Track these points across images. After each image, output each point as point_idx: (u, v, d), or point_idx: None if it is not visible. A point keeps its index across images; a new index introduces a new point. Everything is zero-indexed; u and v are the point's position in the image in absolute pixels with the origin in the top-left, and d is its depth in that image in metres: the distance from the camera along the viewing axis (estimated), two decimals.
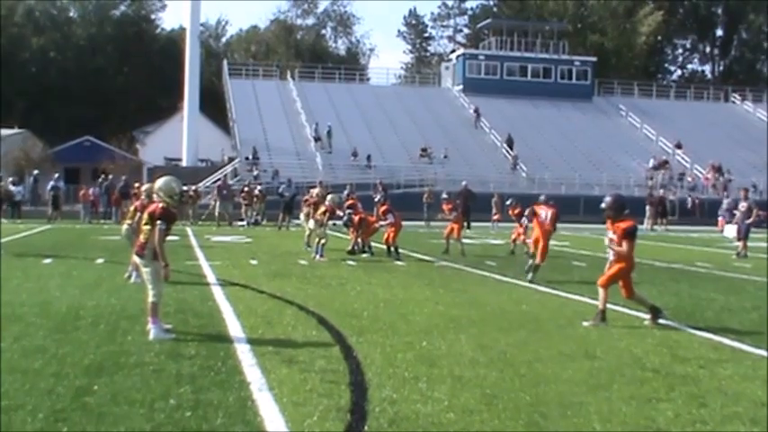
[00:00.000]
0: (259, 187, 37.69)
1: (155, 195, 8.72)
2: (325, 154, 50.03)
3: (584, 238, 30.54)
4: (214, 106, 66.38)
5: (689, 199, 47.41)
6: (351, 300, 11.43)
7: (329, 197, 19.40)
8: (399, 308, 10.72)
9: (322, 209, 18.73)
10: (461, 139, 54.65)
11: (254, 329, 8.82)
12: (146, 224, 8.60)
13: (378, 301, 11.28)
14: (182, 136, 55.18)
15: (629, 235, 9.63)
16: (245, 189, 36.39)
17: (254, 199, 35.72)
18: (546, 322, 9.77)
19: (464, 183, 37.31)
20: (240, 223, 34.81)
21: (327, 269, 15.94)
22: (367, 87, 67.77)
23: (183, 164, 53.90)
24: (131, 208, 13.34)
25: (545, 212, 15.20)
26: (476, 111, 57.87)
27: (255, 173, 44.72)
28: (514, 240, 20.50)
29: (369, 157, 48.88)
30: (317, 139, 51.22)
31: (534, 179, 49.04)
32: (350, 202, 20.62)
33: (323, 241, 18.16)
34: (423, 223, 36.29)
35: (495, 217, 35.10)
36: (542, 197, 18.16)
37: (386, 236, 19.12)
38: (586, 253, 21.34)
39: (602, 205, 9.95)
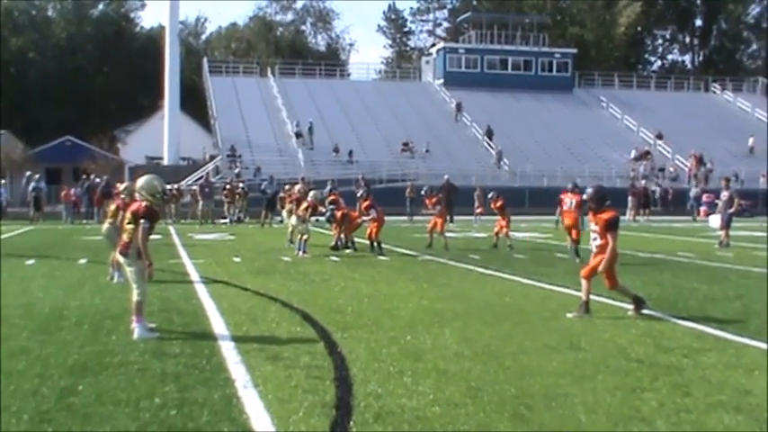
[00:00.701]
0: (241, 185, 37.61)
1: (137, 194, 8.68)
2: (307, 150, 50.00)
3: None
4: (195, 104, 66.14)
5: (658, 189, 47.54)
6: (335, 296, 11.42)
7: (311, 193, 19.38)
8: (384, 303, 10.73)
9: (304, 205, 18.71)
10: (443, 133, 54.74)
11: (238, 327, 8.80)
12: (129, 223, 8.57)
13: (362, 297, 11.28)
14: (163, 134, 54.98)
15: (612, 226, 9.66)
16: (227, 186, 36.32)
17: (237, 196, 35.64)
18: (530, 314, 9.80)
19: (446, 176, 37.33)
20: (223, 221, 34.72)
21: (311, 265, 15.92)
22: (348, 83, 67.73)
23: (165, 162, 53.71)
24: (112, 207, 13.26)
25: (570, 200, 15.51)
26: (457, 105, 57.95)
27: (237, 170, 44.61)
28: (497, 233, 20.56)
29: (350, 153, 48.89)
30: (298, 135, 51.16)
31: (516, 172, 49.19)
32: (332, 197, 20.61)
33: (305, 237, 18.15)
34: (406, 218, 36.32)
35: (478, 210, 35.19)
36: (570, 185, 18.72)
37: (369, 231, 19.12)
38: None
39: (585, 196, 9.98)
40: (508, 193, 32.36)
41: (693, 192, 43.66)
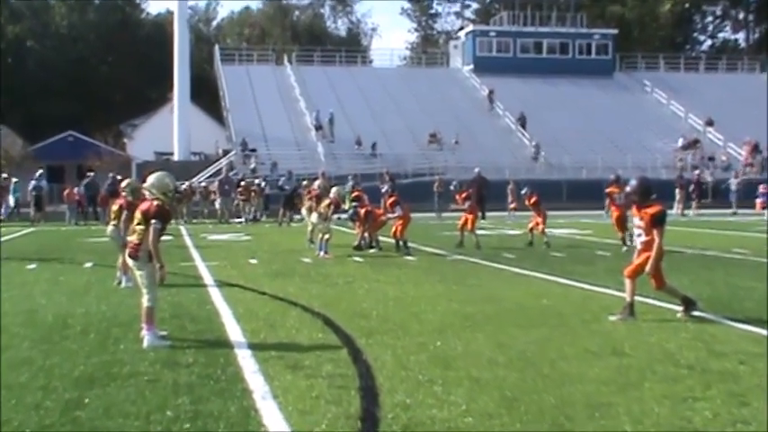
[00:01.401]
0: (257, 181, 37.77)
1: (147, 193, 8.72)
2: (327, 143, 50.10)
3: (609, 225, 30.49)
4: (206, 95, 66.49)
5: (710, 180, 46.91)
6: (358, 299, 11.45)
7: (333, 189, 19.42)
8: (411, 306, 10.74)
9: (326, 202, 18.75)
10: (473, 123, 54.62)
11: (255, 334, 8.85)
12: (138, 224, 8.62)
13: (387, 300, 11.31)
14: (172, 128, 55.32)
15: (658, 221, 9.59)
16: (242, 183, 36.50)
17: (252, 194, 35.81)
18: (569, 317, 9.77)
19: (477, 170, 37.34)
20: (238, 220, 34.90)
21: (332, 267, 15.96)
22: (370, 70, 67.73)
23: (175, 158, 54.03)
24: (114, 207, 13.32)
25: (619, 196, 15.73)
26: (489, 93, 57.76)
27: (252, 165, 44.79)
28: (532, 230, 20.54)
29: (374, 146, 48.92)
30: (317, 127, 51.27)
31: (553, 164, 48.98)
32: (355, 194, 20.64)
33: (327, 237, 18.19)
34: (434, 215, 36.30)
35: (512, 206, 35.10)
36: (612, 176, 18.96)
37: (394, 229, 19.14)
38: (611, 242, 21.31)
39: (628, 189, 9.93)
40: (544, 187, 32.19)
41: (733, 183, 42.97)
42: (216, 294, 12.07)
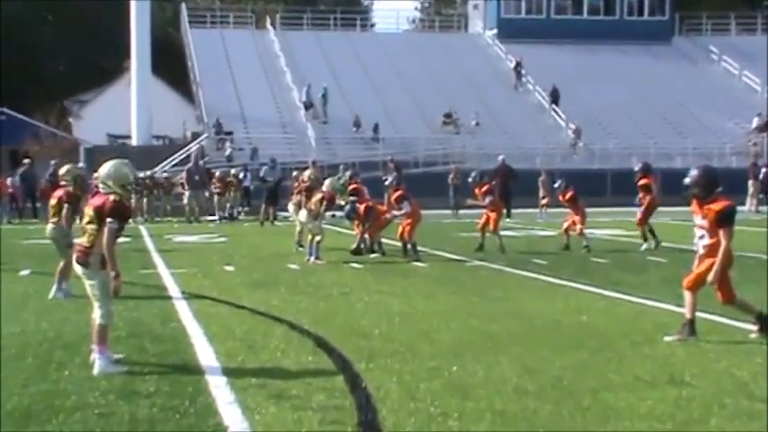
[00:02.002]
0: (233, 171, 37.78)
1: (101, 185, 8.66)
2: (320, 125, 50.09)
3: (664, 225, 30.40)
4: (171, 66, 66.35)
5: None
6: (357, 314, 11.48)
7: (327, 181, 19.42)
8: (420, 323, 10.77)
9: (317, 196, 18.76)
10: (497, 101, 54.60)
11: (231, 356, 8.87)
12: (89, 223, 8.58)
13: (392, 315, 11.34)
14: (129, 106, 55.21)
15: (725, 219, 9.57)
16: (216, 174, 36.52)
17: (228, 186, 35.81)
18: (615, 338, 9.78)
19: (501, 157, 37.27)
20: (211, 218, 34.92)
21: (326, 275, 16.00)
22: (372, 36, 67.83)
23: (133, 142, 53.97)
24: (53, 201, 13.27)
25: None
26: (517, 65, 57.55)
27: (228, 152, 44.79)
28: (567, 231, 20.54)
29: (376, 128, 48.92)
30: (307, 105, 51.25)
31: (594, 150, 48.89)
32: (352, 186, 20.65)
33: (318, 239, 18.21)
34: (449, 212, 36.30)
35: (544, 201, 35.05)
36: (638, 165, 19.22)
37: (400, 230, 19.16)
38: (667, 245, 21.28)
39: (686, 181, 9.90)
40: (584, 178, 32.21)
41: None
42: (183, 309, 12.10)
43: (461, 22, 70.28)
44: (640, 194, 21.45)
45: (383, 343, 9.55)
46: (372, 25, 78.23)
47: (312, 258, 18.05)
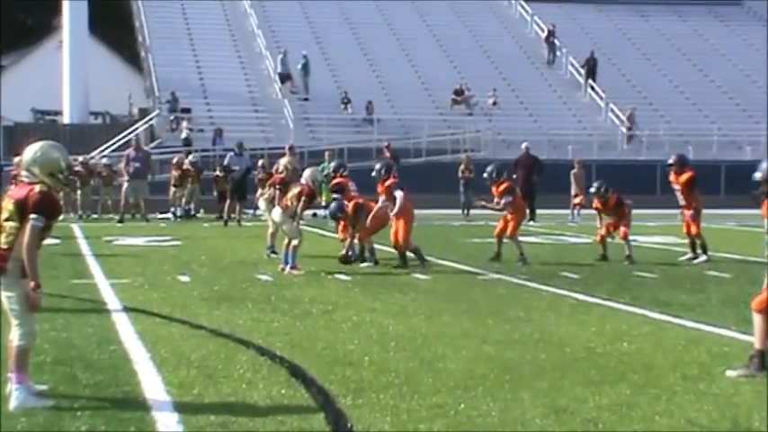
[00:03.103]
0: (191, 158, 37.74)
1: (24, 173, 8.62)
2: (299, 102, 50.06)
3: (729, 231, 30.47)
4: (113, 25, 66.33)
5: None
6: (343, 337, 11.47)
7: (307, 172, 19.42)
8: (422, 349, 10.77)
9: (294, 191, 18.77)
10: (520, 75, 54.71)
11: (185, 388, 8.87)
12: (8, 219, 8.52)
13: (387, 340, 11.33)
14: (60, 74, 55.15)
15: None
16: (174, 160, 36.53)
17: (184, 177, 35.79)
18: (663, 371, 9.77)
19: (525, 145, 37.26)
20: (162, 216, 34.90)
21: (305, 288, 15.98)
22: None
23: (65, 120, 53.92)
24: None
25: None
26: (549, 34, 57.22)
27: (185, 134, 44.74)
28: (604, 238, 20.39)
29: (369, 106, 48.91)
30: (284, 77, 51.22)
31: (642, 137, 48.89)
32: (336, 181, 20.66)
33: (295, 243, 18.21)
34: (458, 212, 36.30)
35: (577, 200, 35.11)
36: (673, 157, 19.18)
37: (394, 233, 19.14)
38: (731, 256, 21.32)
39: (756, 176, 9.94)
40: (629, 172, 32.28)
41: None
42: (126, 328, 12.06)
43: None
44: (681, 195, 20.96)
45: (375, 373, 9.51)
46: None
47: (288, 267, 18.02)
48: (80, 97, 53.97)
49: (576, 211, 34.86)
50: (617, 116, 50.42)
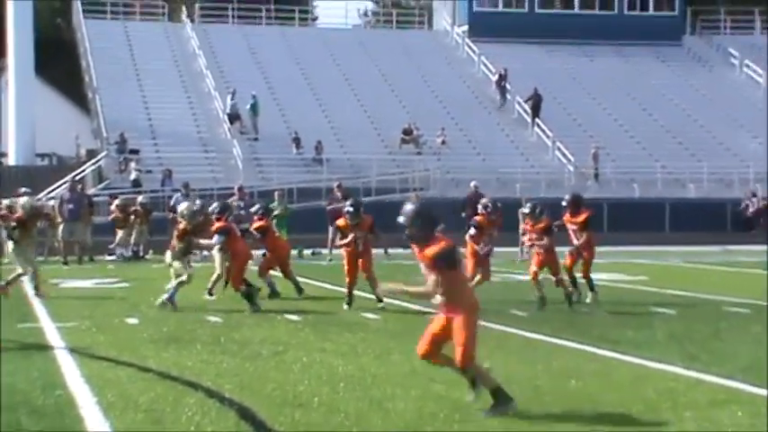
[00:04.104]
0: (140, 198, 37.57)
1: None
2: (249, 141, 49.99)
3: (673, 267, 30.67)
4: (60, 66, 66.04)
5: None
6: (293, 378, 11.43)
7: (182, 207, 20.32)
8: (371, 389, 10.75)
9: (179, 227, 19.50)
10: (468, 114, 54.90)
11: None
12: None
13: (336, 380, 11.31)
14: (6, 115, 54.81)
15: None
16: (115, 203, 36.30)
17: (132, 217, 35.60)
18: (610, 408, 9.82)
19: (473, 183, 37.41)
20: (110, 258, 34.69)
21: (255, 329, 15.93)
22: (314, 32, 67.98)
23: (11, 161, 53.56)
24: None
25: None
26: (501, 78, 57.08)
27: (133, 175, 44.55)
28: (536, 275, 19.46)
29: (318, 146, 48.93)
30: (233, 117, 51.15)
31: (588, 174, 49.15)
32: (219, 225, 20.81)
33: (183, 278, 19.01)
34: (408, 251, 36.26)
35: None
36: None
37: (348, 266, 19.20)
38: (676, 293, 21.47)
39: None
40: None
41: None
42: (72, 372, 11.96)
43: (425, 17, 70.69)
44: (575, 233, 20.12)
45: (324, 415, 9.49)
46: (314, 19, 78.55)
47: (166, 297, 18.81)
48: (26, 138, 53.62)
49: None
50: (564, 154, 50.66)
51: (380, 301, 18.94)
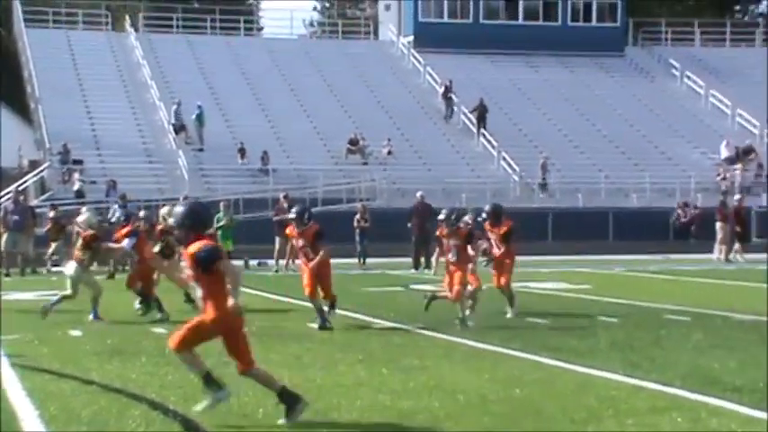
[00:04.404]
0: (84, 210, 37.35)
1: None
2: (194, 152, 49.77)
3: (616, 275, 30.87)
4: (2, 75, 65.45)
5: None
6: (238, 389, 11.28)
7: (81, 218, 20.65)
8: (317, 400, 10.68)
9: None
10: (414, 125, 54.87)
11: None
12: None
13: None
14: None
15: None
16: (51, 214, 36.09)
17: (60, 230, 35.34)
18: (554, 416, 9.87)
19: (419, 194, 37.46)
20: (56, 269, 34.43)
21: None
22: (259, 42, 67.83)
23: None
24: None
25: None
26: (447, 90, 57.17)
27: (77, 186, 44.23)
28: (459, 293, 18.08)
29: (264, 157, 48.79)
30: (178, 128, 50.90)
31: (533, 184, 49.33)
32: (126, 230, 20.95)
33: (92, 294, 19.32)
34: (355, 261, 36.30)
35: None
36: (444, 212, 18.24)
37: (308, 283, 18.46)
38: (619, 301, 21.61)
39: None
40: (521, 219, 32.51)
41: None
42: (14, 385, 11.85)
43: (370, 27, 70.65)
44: (491, 245, 19.56)
45: (270, 426, 9.50)
46: (260, 29, 78.27)
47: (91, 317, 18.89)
48: None
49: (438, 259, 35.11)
50: (509, 164, 50.76)
51: (332, 306, 18.50)
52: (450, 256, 18.17)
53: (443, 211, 19.32)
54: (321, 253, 18.20)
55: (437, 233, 19.00)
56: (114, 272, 31.69)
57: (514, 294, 19.69)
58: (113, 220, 21.57)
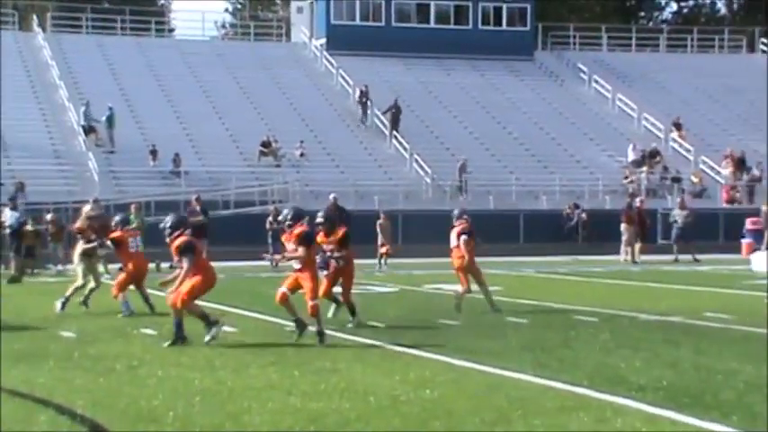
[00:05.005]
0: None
1: None
2: (104, 154, 49.27)
3: (527, 277, 31.08)
4: None
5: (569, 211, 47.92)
6: (147, 393, 11.29)
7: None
8: (228, 403, 10.70)
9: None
10: (326, 127, 54.79)
11: None
12: None
13: (192, 394, 11.23)
14: None
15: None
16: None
17: None
18: (464, 417, 9.91)
19: (332, 196, 37.44)
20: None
21: (110, 344, 15.75)
22: (170, 43, 67.35)
23: None
24: None
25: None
26: (362, 95, 56.56)
27: None
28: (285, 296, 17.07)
29: (176, 159, 48.48)
30: (87, 129, 50.39)
31: (445, 186, 49.49)
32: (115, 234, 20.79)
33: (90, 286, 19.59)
34: (267, 264, 36.15)
35: (383, 249, 35.51)
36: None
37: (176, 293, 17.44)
38: (529, 302, 21.76)
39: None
40: (433, 221, 32.80)
41: (678, 215, 42.55)
42: None
43: (282, 29, 70.45)
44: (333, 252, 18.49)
45: (179, 429, 9.45)
46: (171, 30, 77.76)
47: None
48: None
49: (382, 261, 35.20)
50: (421, 167, 50.88)
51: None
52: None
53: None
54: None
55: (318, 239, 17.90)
56: (21, 275, 31.38)
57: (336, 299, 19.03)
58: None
